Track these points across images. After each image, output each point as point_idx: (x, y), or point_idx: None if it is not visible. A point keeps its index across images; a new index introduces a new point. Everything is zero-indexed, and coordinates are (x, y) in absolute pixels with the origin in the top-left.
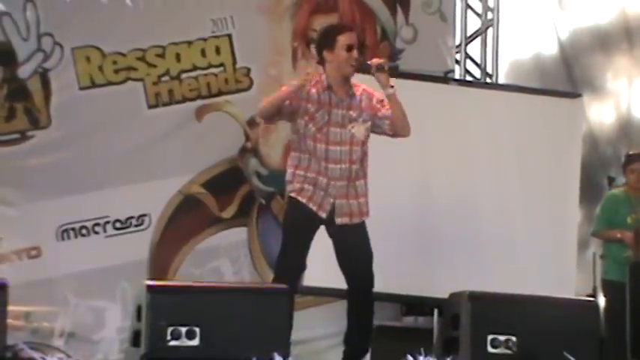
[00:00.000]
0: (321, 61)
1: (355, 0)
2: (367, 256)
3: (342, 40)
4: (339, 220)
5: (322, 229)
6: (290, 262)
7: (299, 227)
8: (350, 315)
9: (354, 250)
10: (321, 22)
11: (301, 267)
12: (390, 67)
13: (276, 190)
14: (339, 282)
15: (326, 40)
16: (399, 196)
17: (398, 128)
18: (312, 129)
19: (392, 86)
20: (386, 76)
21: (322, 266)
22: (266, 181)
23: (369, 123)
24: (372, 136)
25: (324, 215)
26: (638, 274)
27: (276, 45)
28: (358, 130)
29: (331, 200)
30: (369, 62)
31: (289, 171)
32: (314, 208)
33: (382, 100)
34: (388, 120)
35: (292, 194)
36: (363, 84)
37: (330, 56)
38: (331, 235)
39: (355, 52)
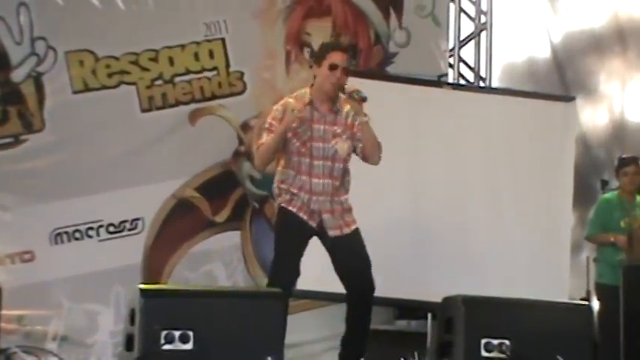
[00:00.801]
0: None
1: (348, 3)
2: (365, 261)
3: (329, 58)
4: (331, 233)
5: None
6: (284, 269)
7: (291, 234)
8: (349, 319)
9: (352, 256)
10: (314, 26)
11: (295, 273)
12: (360, 97)
13: (269, 194)
14: (333, 286)
15: (316, 56)
16: (392, 199)
17: (367, 155)
18: (297, 144)
19: (365, 114)
20: (357, 104)
21: (316, 270)
22: (259, 184)
23: (351, 141)
24: None
25: (314, 225)
26: (631, 277)
27: (269, 49)
28: (341, 146)
29: (317, 215)
30: (345, 86)
31: (275, 185)
32: (304, 217)
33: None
34: (361, 144)
35: (282, 204)
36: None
37: (317, 71)
38: (327, 248)
39: (338, 73)
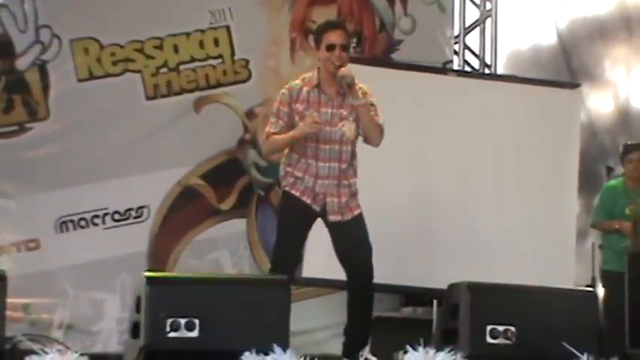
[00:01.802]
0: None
1: None
2: (366, 248)
3: (325, 39)
4: (331, 218)
5: (320, 220)
6: (285, 254)
7: (293, 219)
8: (350, 307)
9: (352, 243)
10: (319, 13)
11: (297, 258)
12: (347, 83)
13: (274, 182)
14: (339, 273)
15: (315, 38)
16: (398, 186)
17: (366, 137)
18: None
19: (359, 98)
20: (348, 87)
21: (322, 257)
22: (265, 172)
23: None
24: None
25: (317, 209)
26: (636, 264)
27: (274, 36)
28: (349, 128)
29: (322, 197)
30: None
31: (281, 167)
32: (307, 201)
33: (372, 105)
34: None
35: (286, 188)
36: (362, 83)
37: (318, 54)
38: (329, 230)
39: (338, 51)
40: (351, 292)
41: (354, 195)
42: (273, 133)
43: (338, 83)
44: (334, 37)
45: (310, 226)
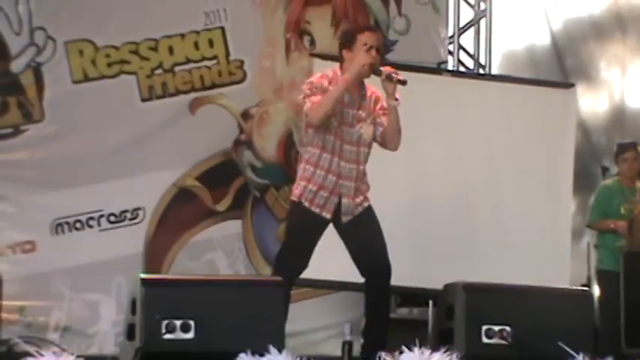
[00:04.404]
0: (341, 61)
1: None
2: (381, 244)
3: (361, 39)
4: (344, 219)
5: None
6: (290, 262)
7: (302, 230)
8: (367, 307)
9: (365, 243)
10: (314, 14)
11: (301, 266)
12: (399, 80)
13: (270, 183)
14: (336, 274)
15: (346, 40)
16: (393, 187)
17: (387, 140)
18: (334, 124)
19: (397, 99)
20: (393, 86)
21: (319, 258)
22: (260, 173)
23: (373, 126)
24: None
25: (328, 216)
26: (632, 263)
27: (269, 37)
28: (366, 130)
29: (335, 199)
30: (381, 68)
31: (297, 181)
32: (317, 211)
33: (385, 108)
34: (382, 128)
35: (294, 198)
36: (373, 86)
37: (349, 55)
38: (340, 233)
39: (374, 53)
40: (368, 294)
41: (364, 195)
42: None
43: (385, 78)
44: (372, 38)
45: (320, 235)
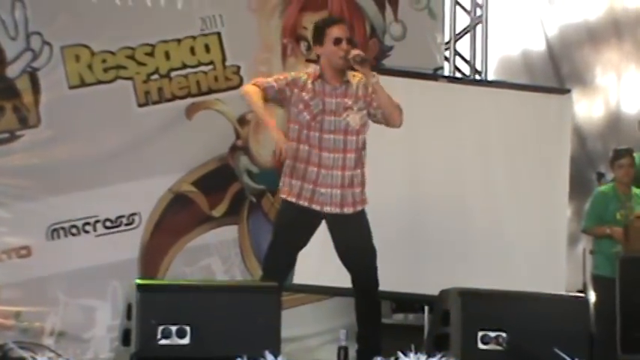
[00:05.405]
0: (317, 57)
1: None
2: (368, 250)
3: (330, 33)
4: (327, 209)
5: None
6: (277, 260)
7: (288, 226)
8: (357, 313)
9: (353, 246)
10: (310, 19)
11: (289, 264)
12: (361, 58)
13: (266, 188)
14: (331, 280)
15: (316, 35)
16: (388, 192)
17: (386, 117)
18: (307, 117)
19: (374, 75)
20: (360, 66)
21: (313, 264)
22: (257, 179)
23: (365, 112)
24: None
25: (317, 207)
26: (627, 269)
27: (265, 42)
28: (353, 118)
29: (322, 190)
30: (348, 57)
31: (282, 178)
32: (305, 204)
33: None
34: (381, 109)
35: (283, 196)
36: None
37: (320, 50)
38: (328, 226)
39: (344, 44)
40: (356, 299)
41: (360, 186)
42: (260, 88)
43: (353, 61)
44: (339, 31)
45: (311, 229)
